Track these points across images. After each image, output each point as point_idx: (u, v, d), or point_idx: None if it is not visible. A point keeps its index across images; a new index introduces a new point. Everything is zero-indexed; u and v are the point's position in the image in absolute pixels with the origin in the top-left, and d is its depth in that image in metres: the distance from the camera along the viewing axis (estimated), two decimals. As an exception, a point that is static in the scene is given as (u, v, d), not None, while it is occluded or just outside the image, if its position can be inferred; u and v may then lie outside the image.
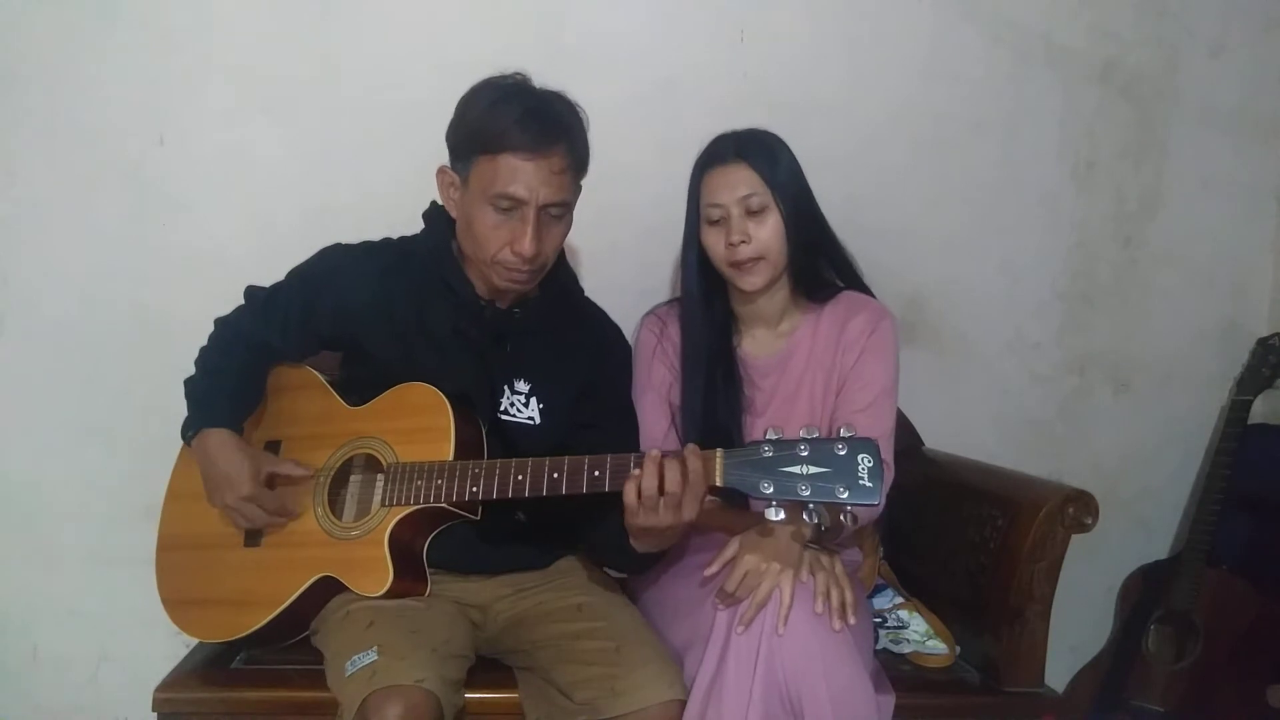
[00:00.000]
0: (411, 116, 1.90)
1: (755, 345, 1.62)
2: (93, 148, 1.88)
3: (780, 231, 1.49)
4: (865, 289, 1.64)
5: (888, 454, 1.47)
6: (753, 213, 1.49)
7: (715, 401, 1.57)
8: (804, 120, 1.81)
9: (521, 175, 1.33)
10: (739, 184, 1.49)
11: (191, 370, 1.51)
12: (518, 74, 1.42)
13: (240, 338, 1.51)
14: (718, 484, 1.22)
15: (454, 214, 1.44)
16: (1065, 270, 2.21)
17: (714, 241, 1.52)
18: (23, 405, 1.91)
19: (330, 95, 1.92)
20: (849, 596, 1.33)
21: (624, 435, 1.54)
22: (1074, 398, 2.25)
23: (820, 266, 1.60)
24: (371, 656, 1.24)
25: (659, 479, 1.21)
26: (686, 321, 1.60)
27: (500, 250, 1.37)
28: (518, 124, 1.32)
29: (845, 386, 1.55)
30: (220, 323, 1.54)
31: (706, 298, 1.59)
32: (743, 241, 1.48)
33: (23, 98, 1.86)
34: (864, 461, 1.15)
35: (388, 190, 1.88)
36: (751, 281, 1.51)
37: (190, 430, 1.45)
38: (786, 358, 1.59)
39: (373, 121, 1.93)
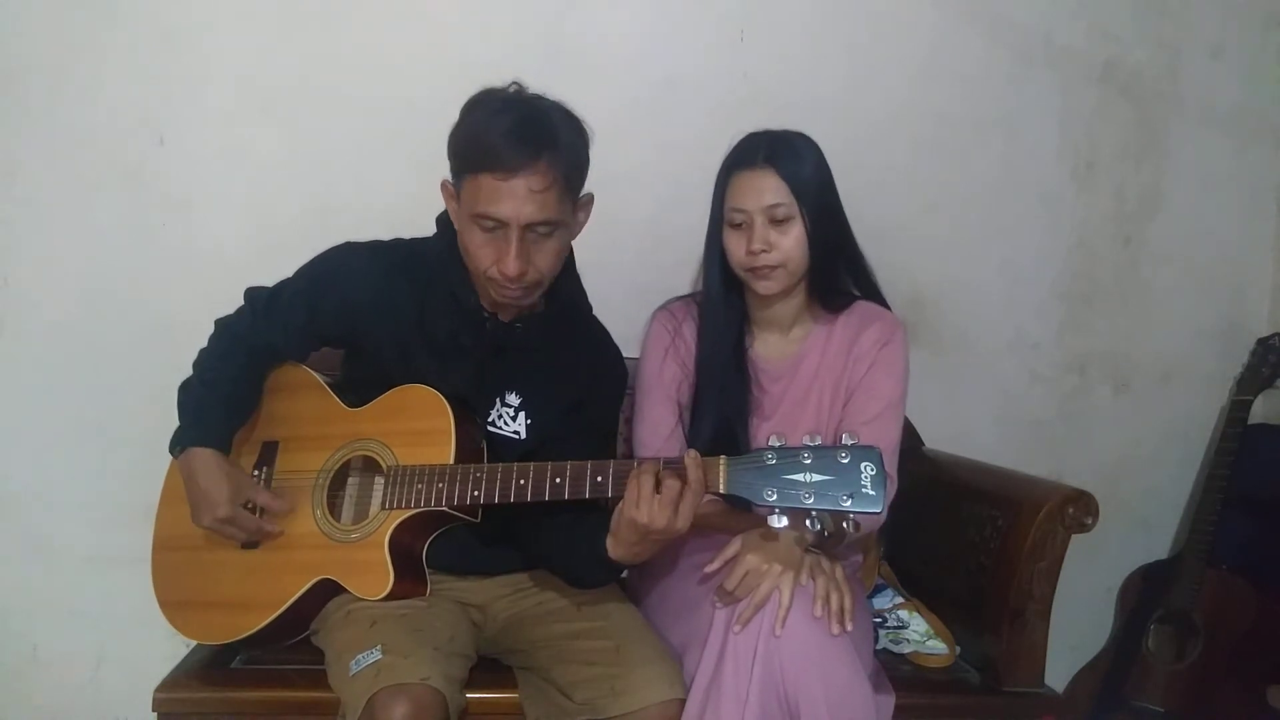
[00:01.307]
0: (411, 117, 1.91)
1: (766, 348, 1.62)
2: (93, 148, 1.88)
3: (803, 241, 1.47)
4: (881, 299, 1.62)
5: (891, 466, 1.46)
6: (777, 222, 1.46)
7: (724, 401, 1.56)
8: (804, 120, 1.80)
9: (501, 195, 1.29)
10: (765, 191, 1.46)
11: (189, 373, 1.50)
12: (514, 84, 1.38)
13: (241, 341, 1.50)
14: (721, 491, 1.21)
15: (456, 226, 1.43)
16: (1065, 270, 2.21)
17: (734, 245, 1.50)
18: (23, 405, 1.91)
19: (330, 95, 1.92)
20: (848, 602, 1.32)
21: (596, 452, 1.46)
22: (1074, 398, 2.25)
23: (838, 273, 1.59)
24: (376, 655, 1.24)
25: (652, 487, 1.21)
26: (706, 320, 1.59)
27: (489, 268, 1.36)
28: (498, 142, 1.28)
29: (853, 397, 1.54)
30: (220, 324, 1.53)
31: (726, 299, 1.58)
32: (764, 250, 1.46)
33: (23, 98, 1.86)
34: (866, 470, 1.15)
35: (387, 190, 1.88)
36: (768, 287, 1.50)
37: (177, 446, 1.44)
38: (797, 363, 1.59)
39: (373, 122, 1.93)
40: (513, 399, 1.48)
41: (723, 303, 1.58)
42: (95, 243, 1.90)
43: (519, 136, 1.29)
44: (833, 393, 1.56)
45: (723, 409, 1.56)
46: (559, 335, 1.51)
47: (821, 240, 1.49)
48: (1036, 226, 2.19)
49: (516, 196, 1.29)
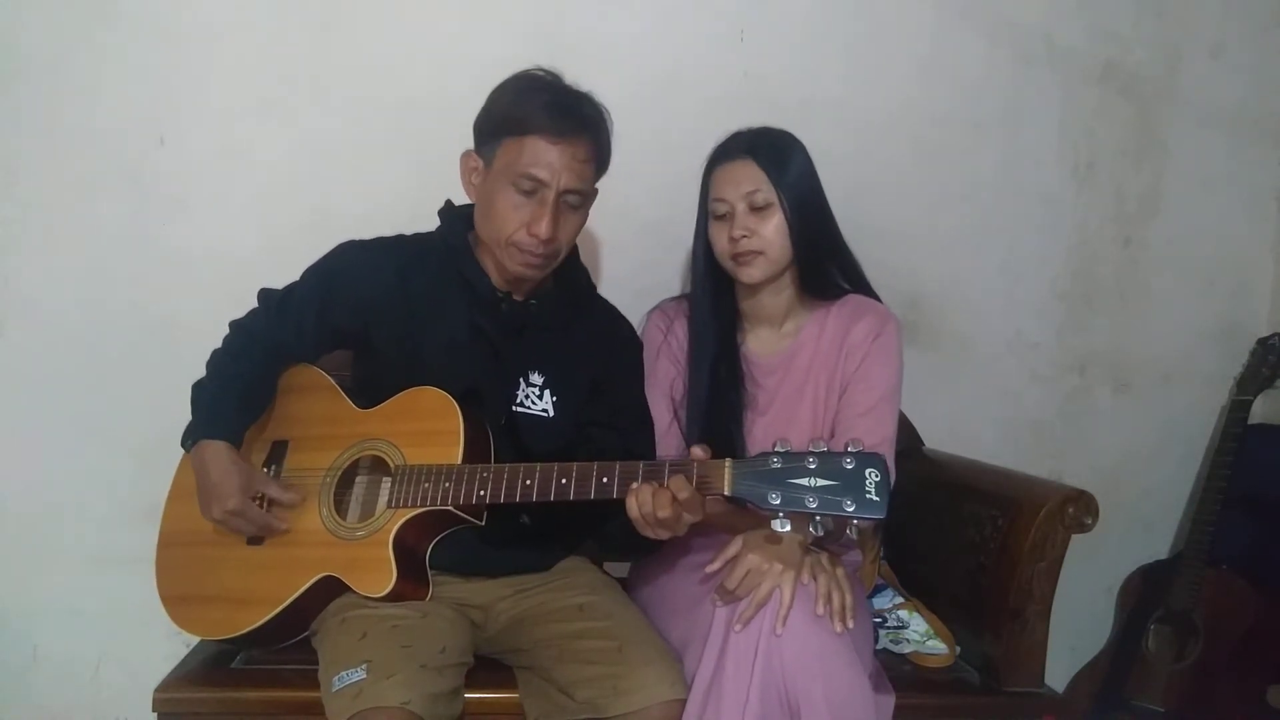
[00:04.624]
0: (411, 116, 1.91)
1: (759, 344, 1.63)
2: (93, 148, 1.88)
3: (783, 229, 1.50)
4: (872, 292, 1.64)
5: (889, 458, 1.47)
6: (756, 209, 1.50)
7: (717, 397, 1.57)
8: (804, 120, 1.80)
9: (546, 157, 1.37)
10: (744, 180, 1.50)
11: (195, 372, 1.50)
12: (550, 71, 1.45)
13: (255, 340, 1.51)
14: (726, 494, 1.22)
15: (473, 198, 1.47)
16: (1065, 270, 2.21)
17: (718, 235, 1.54)
18: (23, 405, 1.91)
19: (331, 95, 1.92)
20: (849, 600, 1.33)
21: (638, 434, 1.55)
22: (1074, 398, 2.25)
23: (828, 269, 1.61)
24: (359, 675, 1.24)
25: (653, 505, 1.24)
26: (693, 316, 1.62)
27: (517, 231, 1.40)
28: (546, 108, 1.37)
29: (848, 390, 1.55)
30: (234, 326, 1.54)
31: (714, 294, 1.60)
32: (744, 236, 1.49)
33: (23, 98, 1.86)
34: (871, 475, 1.16)
35: (387, 190, 1.88)
36: (749, 274, 1.52)
37: (189, 440, 1.44)
38: (790, 358, 1.60)
39: (373, 121, 1.93)
40: (536, 378, 1.51)
41: (712, 298, 1.60)
42: (95, 243, 1.90)
43: (570, 108, 1.39)
44: (828, 386, 1.57)
45: (716, 404, 1.57)
46: (572, 313, 1.55)
47: (803, 231, 1.51)
48: (1036, 226, 2.18)
49: (561, 160, 1.37)
